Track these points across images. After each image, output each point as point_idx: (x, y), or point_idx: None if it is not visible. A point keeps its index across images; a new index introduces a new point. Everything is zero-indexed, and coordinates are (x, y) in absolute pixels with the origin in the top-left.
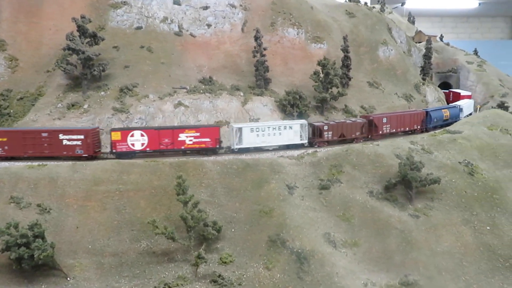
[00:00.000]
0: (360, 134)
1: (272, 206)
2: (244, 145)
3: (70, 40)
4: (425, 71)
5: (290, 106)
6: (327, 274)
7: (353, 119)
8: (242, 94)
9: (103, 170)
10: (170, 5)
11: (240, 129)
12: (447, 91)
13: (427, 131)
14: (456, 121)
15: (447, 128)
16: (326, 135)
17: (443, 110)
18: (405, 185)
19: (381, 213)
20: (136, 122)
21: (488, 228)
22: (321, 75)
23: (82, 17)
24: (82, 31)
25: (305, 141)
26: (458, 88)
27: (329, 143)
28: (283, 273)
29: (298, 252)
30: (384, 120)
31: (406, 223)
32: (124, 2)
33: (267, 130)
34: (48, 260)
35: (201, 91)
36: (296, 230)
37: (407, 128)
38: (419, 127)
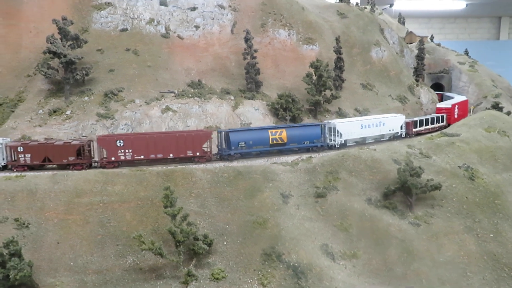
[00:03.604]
0: (77, 159)
1: (266, 216)
2: None
3: (50, 43)
4: (418, 72)
5: (283, 110)
6: None
7: (69, 140)
8: (232, 98)
9: (86, 181)
10: (156, 6)
11: None
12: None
13: (223, 159)
14: (315, 146)
15: (444, 130)
16: (22, 158)
17: (272, 131)
18: (405, 192)
19: (380, 221)
20: (121, 129)
21: (491, 235)
22: (314, 78)
23: (64, 18)
24: (63, 33)
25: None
26: (450, 89)
27: (33, 168)
28: None
29: (294, 266)
30: (120, 143)
31: (406, 232)
32: (108, 3)
33: None
34: (25, 280)
35: (190, 95)
36: (292, 242)
37: (171, 155)
38: (198, 153)
